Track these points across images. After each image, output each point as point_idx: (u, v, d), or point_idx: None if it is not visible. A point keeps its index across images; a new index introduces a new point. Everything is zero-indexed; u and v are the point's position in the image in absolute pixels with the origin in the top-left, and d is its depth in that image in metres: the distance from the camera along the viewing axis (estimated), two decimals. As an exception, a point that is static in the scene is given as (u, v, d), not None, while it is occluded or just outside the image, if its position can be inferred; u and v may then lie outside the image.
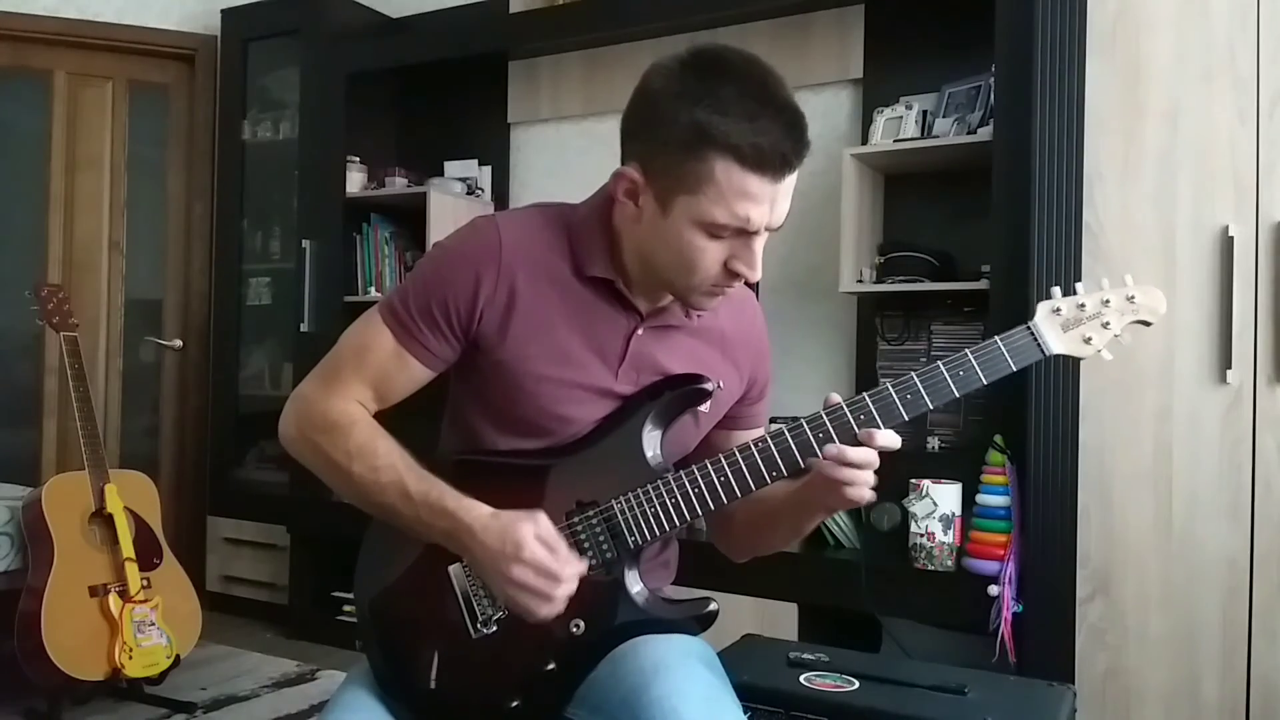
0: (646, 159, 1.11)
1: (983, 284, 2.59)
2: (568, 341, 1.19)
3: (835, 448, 1.11)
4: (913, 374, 1.14)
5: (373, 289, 3.58)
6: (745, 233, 1.09)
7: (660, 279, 1.17)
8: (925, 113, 2.79)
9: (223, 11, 3.95)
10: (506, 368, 1.18)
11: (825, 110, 3.05)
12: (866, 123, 2.92)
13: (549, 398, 1.18)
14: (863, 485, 1.12)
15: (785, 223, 1.13)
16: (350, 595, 3.34)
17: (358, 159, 3.60)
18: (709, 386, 1.21)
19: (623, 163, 1.14)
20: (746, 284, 1.18)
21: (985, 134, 2.58)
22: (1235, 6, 2.13)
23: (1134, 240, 2.21)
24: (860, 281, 2.79)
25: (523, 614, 1.11)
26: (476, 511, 1.11)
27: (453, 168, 3.66)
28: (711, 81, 1.06)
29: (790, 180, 1.10)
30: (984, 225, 2.57)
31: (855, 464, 1.11)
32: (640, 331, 1.21)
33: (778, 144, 1.05)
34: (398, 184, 3.51)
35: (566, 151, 3.51)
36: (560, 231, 1.21)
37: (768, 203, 1.08)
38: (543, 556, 1.08)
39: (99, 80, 3.92)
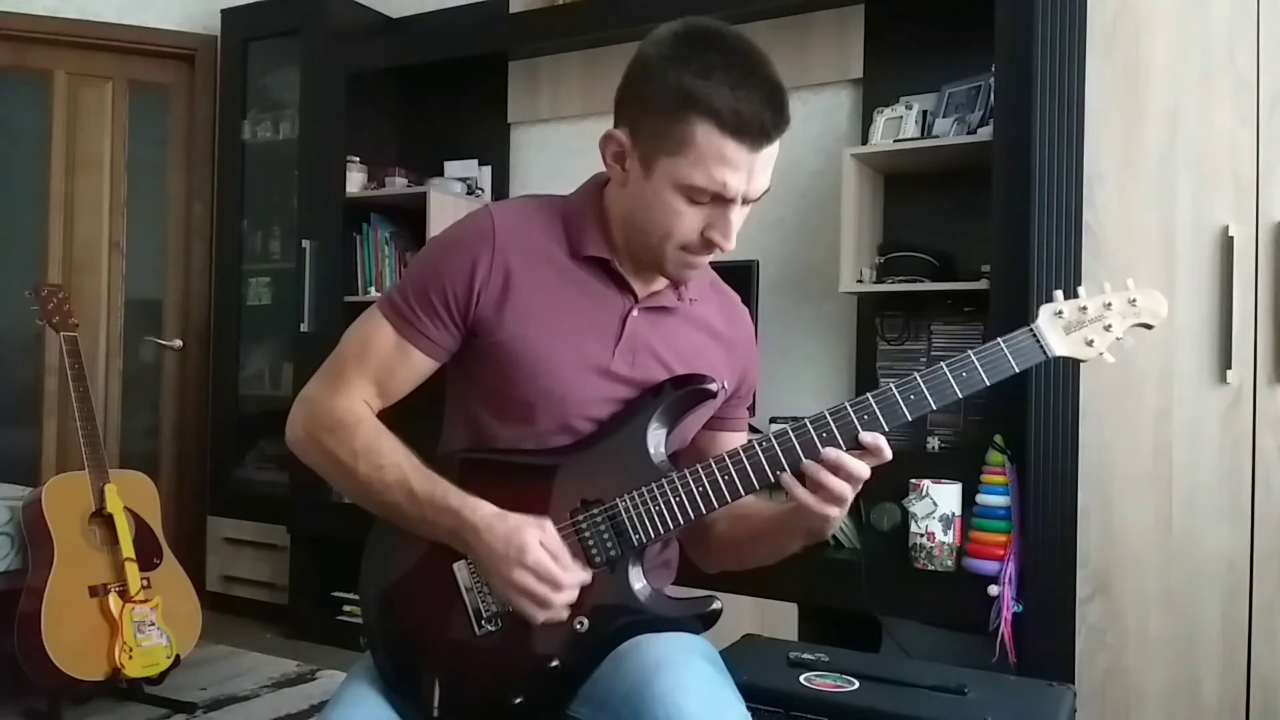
0: (634, 122, 1.15)
1: (983, 284, 2.59)
2: (564, 320, 1.20)
3: (834, 453, 1.12)
4: (916, 375, 1.15)
5: (373, 289, 3.57)
6: (723, 200, 1.13)
7: (642, 245, 1.19)
8: (925, 113, 2.79)
9: (223, 11, 3.94)
10: (504, 348, 1.19)
11: (825, 110, 3.04)
12: (866, 123, 2.91)
13: (547, 376, 1.19)
14: (841, 501, 1.13)
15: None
16: (351, 595, 3.36)
17: (358, 159, 3.60)
18: (713, 387, 1.22)
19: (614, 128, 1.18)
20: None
21: (985, 134, 2.58)
22: (1235, 6, 2.13)
23: (1134, 240, 2.21)
24: (860, 281, 2.79)
25: (521, 617, 1.12)
26: (482, 510, 1.12)
27: (453, 168, 3.66)
28: (700, 49, 1.10)
29: (769, 153, 1.12)
30: (984, 225, 2.57)
31: (847, 473, 1.12)
32: (635, 312, 1.23)
33: (758, 113, 1.09)
34: (398, 184, 3.51)
35: (566, 151, 3.51)
36: (554, 216, 1.24)
37: (745, 171, 1.11)
38: (546, 563, 1.09)
39: (99, 80, 3.92)
